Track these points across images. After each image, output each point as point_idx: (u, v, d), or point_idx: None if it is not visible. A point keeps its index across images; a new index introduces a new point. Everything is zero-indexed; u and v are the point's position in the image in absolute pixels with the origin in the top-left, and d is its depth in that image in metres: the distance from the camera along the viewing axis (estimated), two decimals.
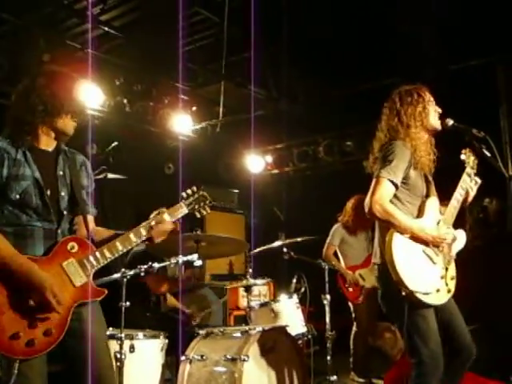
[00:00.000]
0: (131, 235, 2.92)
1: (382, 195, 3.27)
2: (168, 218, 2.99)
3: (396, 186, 3.32)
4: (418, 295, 3.21)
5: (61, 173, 2.89)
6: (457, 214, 3.50)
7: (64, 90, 2.85)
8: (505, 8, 5.73)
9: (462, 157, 3.59)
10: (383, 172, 3.29)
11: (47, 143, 2.89)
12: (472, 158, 3.58)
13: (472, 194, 3.56)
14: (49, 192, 2.79)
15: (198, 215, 3.14)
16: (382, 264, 3.34)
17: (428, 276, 3.31)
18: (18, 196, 2.70)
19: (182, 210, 3.06)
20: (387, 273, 3.24)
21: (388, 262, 3.23)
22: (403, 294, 3.20)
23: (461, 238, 3.53)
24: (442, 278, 3.38)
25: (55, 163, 2.90)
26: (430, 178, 3.56)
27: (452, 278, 3.46)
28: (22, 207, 2.71)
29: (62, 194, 2.86)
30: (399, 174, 3.32)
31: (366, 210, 3.32)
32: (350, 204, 6.67)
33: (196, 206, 3.10)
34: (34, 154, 2.81)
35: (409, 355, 3.34)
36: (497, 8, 5.81)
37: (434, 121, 3.52)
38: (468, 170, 3.56)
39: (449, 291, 3.42)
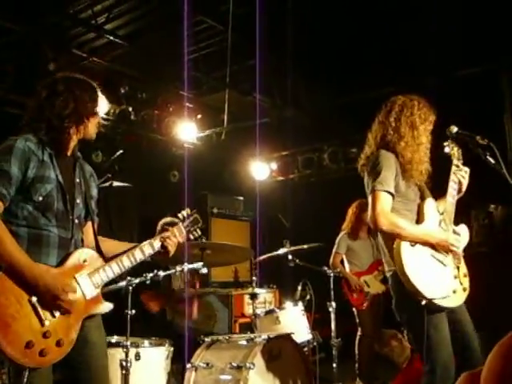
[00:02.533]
0: (137, 251, 2.99)
1: (383, 208, 3.29)
2: (184, 231, 3.19)
3: (392, 195, 3.34)
4: (437, 301, 3.21)
5: (77, 180, 2.92)
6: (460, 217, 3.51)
7: (86, 93, 2.89)
8: (508, 14, 5.74)
9: (446, 150, 3.58)
10: (377, 185, 3.31)
11: (69, 149, 2.92)
12: (456, 148, 3.57)
13: (465, 182, 3.56)
14: (67, 197, 2.82)
15: (192, 237, 3.31)
16: (393, 273, 3.33)
17: (442, 279, 3.31)
18: (41, 198, 2.70)
19: (182, 231, 3.20)
20: (400, 282, 3.24)
21: (400, 274, 3.23)
22: (422, 303, 3.19)
23: (464, 234, 3.53)
24: (455, 277, 3.39)
25: (73, 170, 2.93)
26: (422, 184, 3.55)
27: (465, 276, 3.46)
28: (43, 210, 2.72)
29: (78, 201, 2.88)
30: (391, 184, 3.34)
31: (372, 225, 3.34)
32: (350, 210, 6.71)
33: (191, 229, 3.28)
34: (58, 158, 2.83)
35: (422, 362, 3.34)
36: (500, 14, 5.82)
37: (424, 138, 3.51)
38: (455, 161, 3.55)
39: (464, 290, 3.42)
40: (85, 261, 2.80)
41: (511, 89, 6.43)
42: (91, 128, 2.94)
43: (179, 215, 3.23)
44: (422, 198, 3.50)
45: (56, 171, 2.78)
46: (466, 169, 3.57)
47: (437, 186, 3.59)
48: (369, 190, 3.38)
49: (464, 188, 3.58)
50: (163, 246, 3.06)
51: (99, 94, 3.01)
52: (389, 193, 3.32)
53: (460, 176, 3.53)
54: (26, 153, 2.70)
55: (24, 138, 2.74)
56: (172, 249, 3.08)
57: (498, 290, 5.81)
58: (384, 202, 3.30)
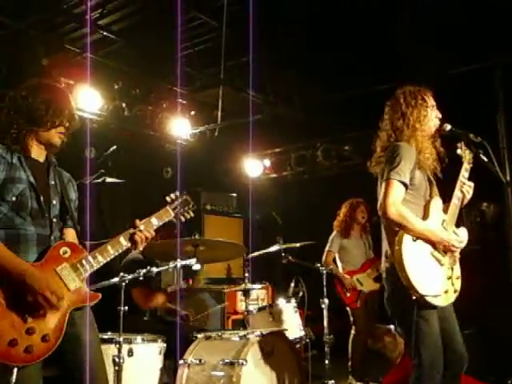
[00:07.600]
0: (120, 240, 2.95)
1: (396, 198, 3.30)
2: (156, 223, 3.08)
3: (406, 186, 3.35)
4: (428, 298, 3.24)
5: (52, 182, 2.93)
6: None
7: (46, 102, 2.87)
8: (502, 11, 5.75)
9: (458, 151, 3.58)
10: (393, 174, 3.31)
11: (38, 154, 2.92)
12: (467, 151, 3.57)
13: (468, 197, 3.57)
14: (42, 198, 2.82)
15: (183, 219, 3.24)
16: (390, 266, 3.36)
17: (436, 278, 3.34)
18: (14, 198, 2.72)
19: (169, 214, 3.15)
20: (395, 275, 3.26)
21: (398, 267, 3.25)
22: (413, 298, 3.23)
23: (463, 236, 3.54)
24: (448, 278, 3.41)
25: (47, 173, 2.94)
26: (432, 179, 3.57)
27: (457, 278, 3.49)
28: (17, 210, 2.73)
29: (54, 202, 2.89)
30: (407, 175, 3.35)
31: (381, 213, 3.34)
32: (342, 209, 6.73)
33: (181, 211, 3.21)
34: (27, 160, 2.84)
35: (411, 357, 3.35)
36: (494, 11, 5.82)
37: (434, 126, 3.55)
38: (465, 165, 3.56)
39: (455, 291, 3.45)
40: (65, 252, 2.77)
41: (504, 87, 6.44)
42: (48, 137, 2.90)
43: (167, 198, 3.17)
44: (430, 196, 3.51)
45: (27, 172, 2.80)
46: (471, 184, 3.57)
47: (445, 186, 3.60)
48: (384, 178, 3.38)
49: (466, 201, 3.59)
50: (133, 241, 2.98)
51: (67, 100, 2.96)
52: (403, 184, 3.33)
53: (465, 191, 3.54)
54: None
55: None
56: (140, 244, 2.99)
57: (490, 288, 5.83)
58: (397, 192, 3.31)
